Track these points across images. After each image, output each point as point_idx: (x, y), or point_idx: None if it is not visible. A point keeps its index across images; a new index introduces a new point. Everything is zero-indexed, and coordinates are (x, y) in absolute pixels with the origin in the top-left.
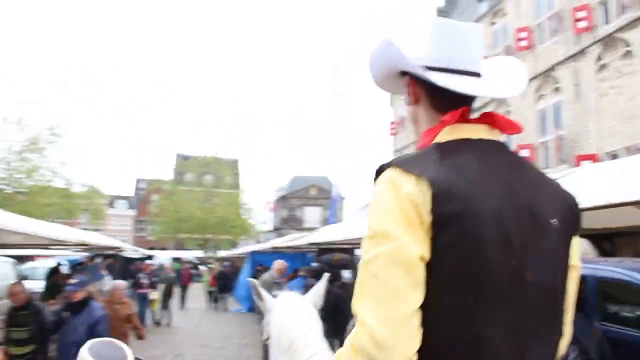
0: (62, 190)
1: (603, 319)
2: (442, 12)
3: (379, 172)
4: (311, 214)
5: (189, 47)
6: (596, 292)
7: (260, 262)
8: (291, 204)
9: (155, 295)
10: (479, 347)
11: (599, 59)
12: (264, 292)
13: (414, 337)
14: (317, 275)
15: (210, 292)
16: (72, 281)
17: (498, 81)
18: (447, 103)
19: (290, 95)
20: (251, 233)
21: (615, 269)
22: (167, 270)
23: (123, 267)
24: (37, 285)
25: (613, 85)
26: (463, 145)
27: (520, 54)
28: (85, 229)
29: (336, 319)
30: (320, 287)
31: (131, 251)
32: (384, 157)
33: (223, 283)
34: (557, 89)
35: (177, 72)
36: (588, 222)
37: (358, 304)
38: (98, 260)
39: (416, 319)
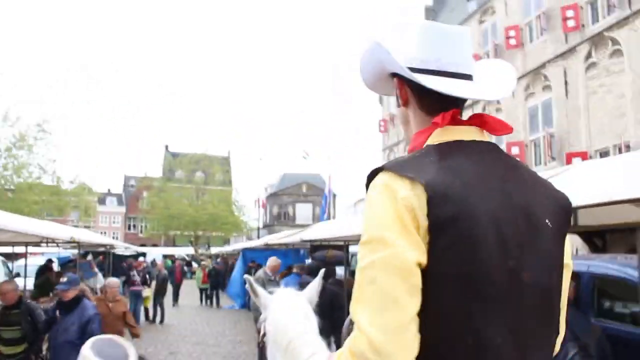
0: (51, 187)
1: (598, 315)
2: (431, 11)
3: (372, 176)
4: (302, 211)
5: (189, 46)
6: (591, 289)
7: (252, 259)
8: (282, 200)
9: (147, 292)
10: (480, 349)
11: (588, 57)
12: (259, 289)
13: (412, 344)
14: (312, 272)
15: (202, 289)
16: (63, 280)
17: (487, 83)
18: (436, 105)
19: (290, 95)
20: (242, 230)
21: (610, 265)
22: (159, 268)
23: (114, 264)
24: (28, 282)
25: (602, 84)
26: (456, 147)
27: (510, 52)
28: (75, 226)
29: (332, 316)
30: (315, 284)
31: (122, 248)
32: (374, 154)
33: (215, 280)
34: (546, 87)
35: (176, 72)
36: (581, 219)
37: (356, 310)
38: (89, 257)
39: (414, 325)
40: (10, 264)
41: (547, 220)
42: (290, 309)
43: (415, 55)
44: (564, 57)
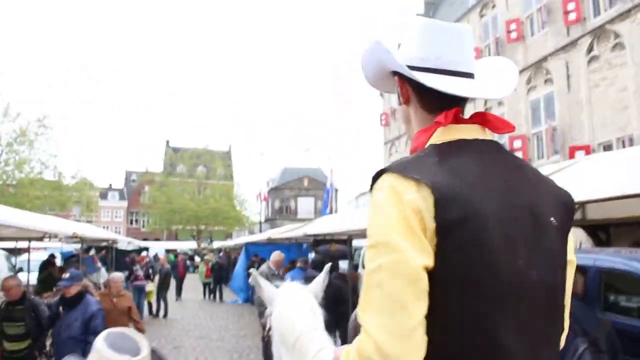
0: (52, 182)
1: (604, 309)
2: (431, 5)
3: (376, 177)
4: (304, 205)
5: (189, 47)
6: (598, 283)
7: (255, 253)
8: (284, 194)
9: (151, 287)
10: (490, 350)
11: (590, 50)
12: (264, 282)
13: (419, 348)
14: (317, 267)
15: (205, 284)
16: (66, 276)
17: (488, 81)
18: (437, 104)
19: (290, 95)
20: (244, 224)
21: (617, 259)
22: (162, 262)
23: (117, 259)
24: (31, 277)
25: (604, 77)
26: (459, 147)
27: (511, 45)
28: (77, 221)
29: (336, 311)
30: (321, 279)
31: (125, 243)
32: (376, 148)
33: (219, 274)
34: (548, 81)
35: (176, 72)
36: (589, 213)
37: (364, 313)
38: (92, 252)
39: (421, 329)
40: (13, 259)
41: (551, 219)
42: (296, 304)
43: (415, 54)
44: (566, 50)
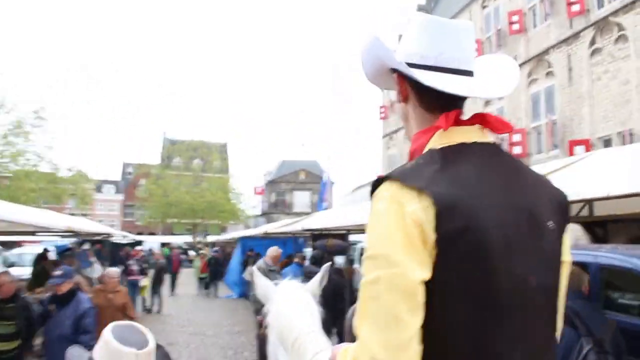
0: (48, 174)
1: (605, 307)
2: None
3: (377, 184)
4: (300, 199)
5: (189, 47)
6: (598, 280)
7: (250, 247)
8: (280, 188)
9: (145, 282)
10: (486, 357)
11: (593, 43)
12: (261, 280)
13: None
14: (316, 262)
15: (201, 279)
16: (57, 273)
17: (488, 79)
18: (436, 102)
19: (290, 94)
20: (240, 218)
21: (618, 256)
22: (156, 256)
23: (112, 253)
24: (23, 272)
25: (606, 70)
26: (460, 152)
27: (513, 37)
28: (72, 214)
29: (335, 307)
30: (319, 277)
31: (120, 237)
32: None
33: (215, 269)
34: (549, 73)
35: (176, 72)
36: (597, 210)
37: (361, 324)
38: (86, 246)
39: (415, 341)
40: (6, 252)
41: (549, 222)
42: (294, 303)
43: (415, 50)
44: (568, 42)
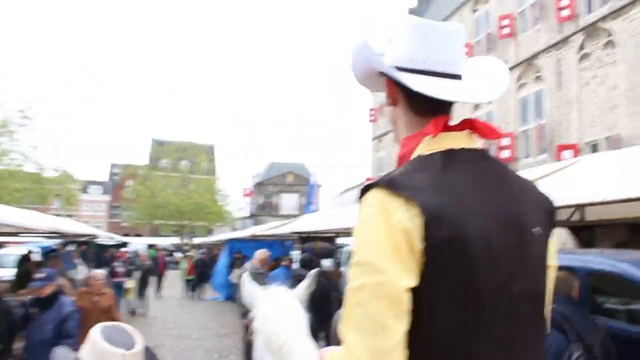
0: (33, 175)
1: (592, 312)
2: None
3: (365, 191)
4: (288, 201)
5: (189, 47)
6: (586, 285)
7: (238, 249)
8: (268, 190)
9: (130, 284)
10: None
11: (581, 48)
12: (249, 285)
13: None
14: (306, 265)
15: (188, 281)
16: (39, 275)
17: (477, 83)
18: (425, 106)
19: (290, 95)
20: (227, 220)
21: (607, 261)
22: (142, 258)
23: (97, 254)
24: (6, 273)
25: (595, 75)
26: (448, 158)
27: (502, 41)
28: (58, 215)
29: (323, 310)
30: (306, 284)
31: (105, 238)
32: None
33: (201, 271)
34: (538, 78)
35: (176, 72)
36: (588, 215)
37: (346, 330)
38: (71, 247)
39: (400, 348)
40: None
41: (535, 229)
42: (282, 309)
43: (404, 54)
44: (557, 47)
